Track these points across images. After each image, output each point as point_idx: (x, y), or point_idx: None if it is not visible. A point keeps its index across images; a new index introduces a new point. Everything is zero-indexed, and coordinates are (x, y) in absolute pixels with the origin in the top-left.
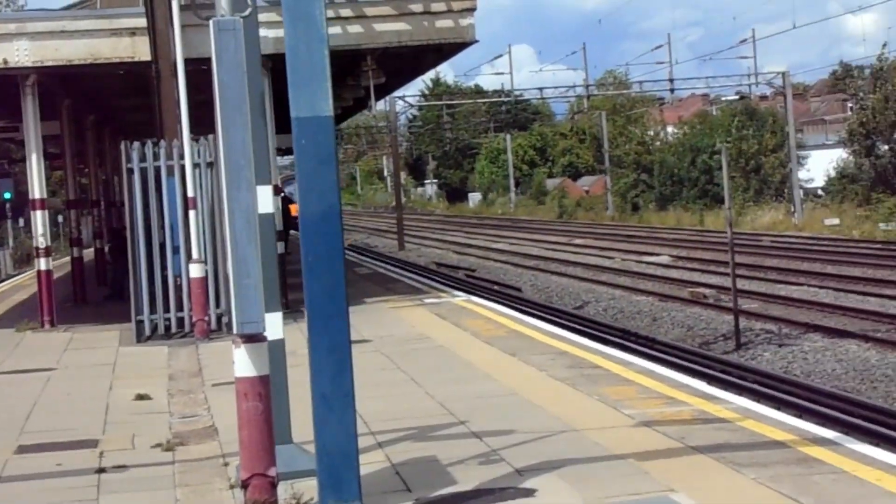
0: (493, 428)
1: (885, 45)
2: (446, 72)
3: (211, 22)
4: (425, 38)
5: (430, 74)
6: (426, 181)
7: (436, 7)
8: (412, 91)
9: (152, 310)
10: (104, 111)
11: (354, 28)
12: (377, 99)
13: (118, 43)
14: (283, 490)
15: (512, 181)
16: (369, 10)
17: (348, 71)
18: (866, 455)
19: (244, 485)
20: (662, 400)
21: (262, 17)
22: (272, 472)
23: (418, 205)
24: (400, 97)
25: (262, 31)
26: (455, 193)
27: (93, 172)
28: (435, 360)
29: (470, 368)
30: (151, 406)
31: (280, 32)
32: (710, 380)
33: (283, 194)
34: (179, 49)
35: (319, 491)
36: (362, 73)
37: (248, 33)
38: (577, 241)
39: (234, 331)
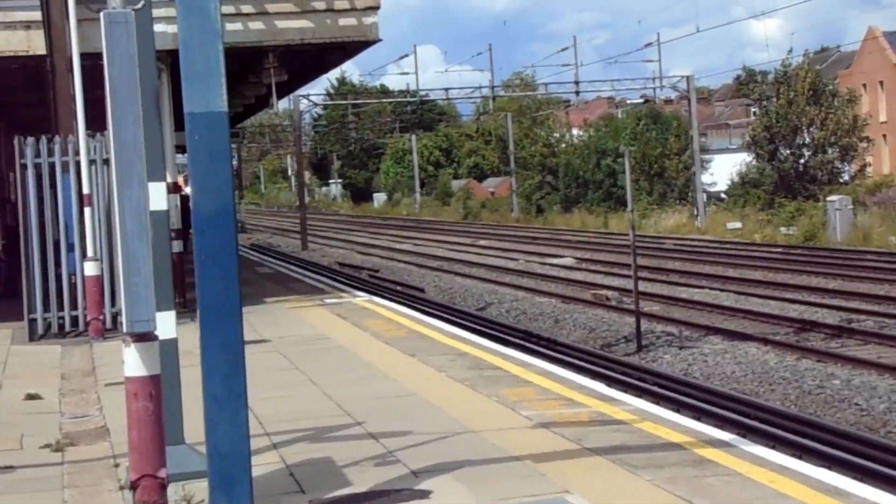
0: (390, 429)
1: (790, 50)
2: (352, 71)
3: (102, 14)
4: (328, 36)
5: (336, 73)
6: (331, 181)
7: (339, 5)
8: (317, 90)
9: (46, 308)
10: (8, 107)
11: (256, 25)
12: (280, 97)
13: (12, 36)
14: (173, 491)
15: (417, 182)
16: (271, 7)
17: (250, 68)
18: (760, 457)
19: (133, 486)
20: (561, 401)
21: (161, 11)
22: (162, 473)
23: (323, 204)
24: (304, 96)
25: (162, 27)
26: (360, 193)
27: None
28: (334, 361)
29: (369, 369)
30: (42, 406)
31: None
32: (610, 381)
33: (183, 192)
34: (75, 43)
35: (210, 493)
36: (264, 70)
37: (141, 27)
38: (482, 242)
39: (124, 330)
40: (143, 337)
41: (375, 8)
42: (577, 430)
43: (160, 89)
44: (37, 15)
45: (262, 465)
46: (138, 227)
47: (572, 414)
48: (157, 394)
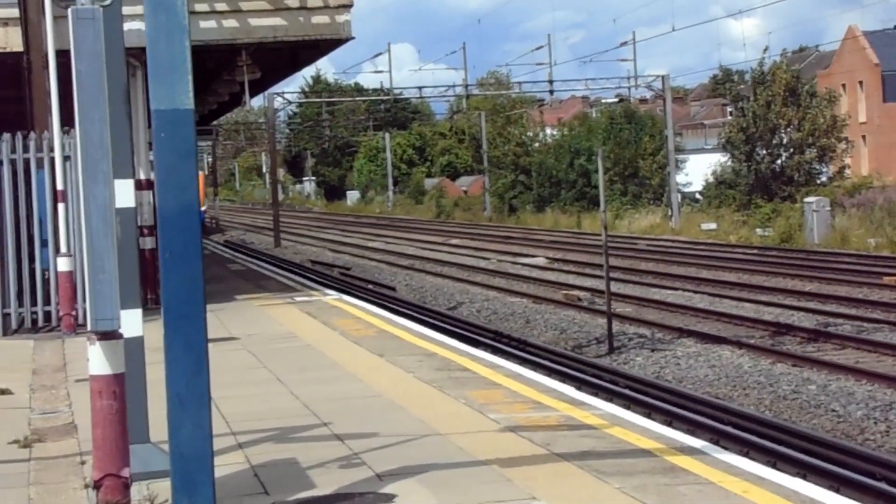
0: (356, 430)
1: (766, 49)
2: (327, 69)
3: (69, 10)
4: (301, 34)
5: (311, 71)
6: (305, 178)
7: (312, 3)
8: (292, 87)
9: (20, 303)
10: None
11: (230, 22)
12: (254, 94)
13: None
14: (136, 491)
15: (391, 180)
16: (245, 5)
17: (224, 66)
18: (734, 466)
19: (97, 485)
20: (530, 405)
21: (138, 8)
22: (125, 472)
23: (296, 202)
24: (278, 93)
25: (138, 24)
26: (334, 191)
27: None
28: (301, 360)
29: (336, 369)
30: (11, 401)
31: None
32: (581, 384)
33: None
34: (51, 40)
35: (173, 495)
36: (237, 68)
37: (110, 24)
38: (454, 241)
39: (89, 328)
40: (108, 335)
41: (348, 6)
42: (546, 435)
43: (134, 87)
44: (14, 12)
45: (227, 465)
46: (103, 224)
47: (541, 418)
48: (122, 392)
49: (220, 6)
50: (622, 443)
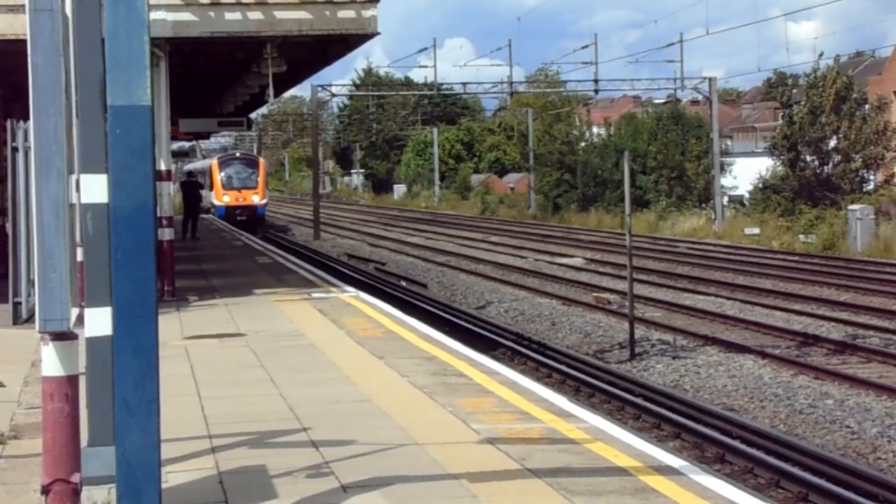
0: (333, 437)
1: (821, 54)
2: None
3: (27, 1)
4: (327, 28)
5: (363, 63)
6: (353, 171)
7: None
8: (345, 80)
9: (31, 292)
10: (13, 88)
11: (255, 14)
12: (288, 88)
13: (15, 20)
14: (87, 497)
15: (437, 175)
16: None
17: (253, 58)
18: (707, 488)
19: (45, 490)
20: (516, 415)
21: None
22: (75, 478)
23: (344, 194)
24: (324, 86)
25: (161, 14)
26: (381, 184)
27: None
28: (300, 360)
29: (332, 370)
30: (2, 394)
31: (179, 16)
32: (595, 391)
33: (192, 179)
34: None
35: (118, 502)
36: (263, 60)
37: (85, 15)
38: (493, 238)
39: (37, 328)
40: (63, 336)
41: (374, 1)
42: (524, 448)
43: (158, 76)
44: None
45: (195, 469)
46: (55, 221)
47: (524, 429)
48: (74, 395)
49: None
50: (599, 459)
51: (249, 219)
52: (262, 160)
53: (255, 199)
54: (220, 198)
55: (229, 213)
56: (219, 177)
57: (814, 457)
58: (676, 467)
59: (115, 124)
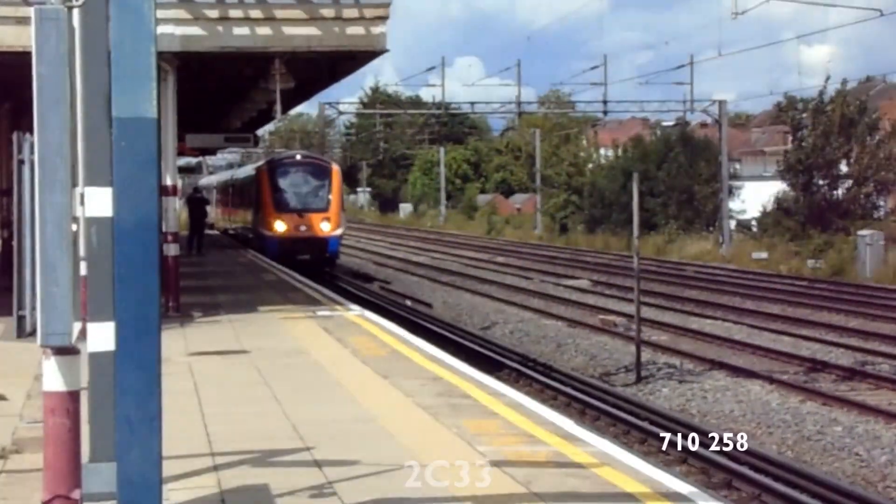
0: (337, 457)
1: (828, 78)
2: (389, 79)
3: (33, 10)
4: (335, 45)
5: (370, 81)
6: (359, 189)
7: (348, 13)
8: (352, 98)
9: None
10: (19, 101)
11: (263, 30)
12: (295, 104)
13: (22, 32)
14: None
15: (444, 194)
16: (279, 13)
17: (261, 74)
18: None
19: None
20: (522, 438)
21: (170, 13)
22: (76, 494)
23: (350, 212)
24: (331, 103)
25: (170, 28)
26: (387, 203)
27: (4, 161)
28: (304, 379)
29: (336, 389)
30: (4, 408)
31: (187, 30)
32: (601, 414)
33: (198, 195)
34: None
35: None
36: (271, 76)
37: (94, 24)
38: (499, 259)
39: (38, 342)
40: (65, 350)
41: (384, 18)
42: (530, 472)
43: (165, 90)
44: (28, 10)
45: (197, 487)
46: (59, 234)
47: (530, 452)
48: (76, 411)
49: (255, 13)
50: (606, 484)
51: (316, 258)
52: (335, 167)
53: (325, 226)
54: (270, 225)
55: (284, 247)
56: (270, 191)
57: (822, 484)
58: (685, 493)
59: (120, 137)
